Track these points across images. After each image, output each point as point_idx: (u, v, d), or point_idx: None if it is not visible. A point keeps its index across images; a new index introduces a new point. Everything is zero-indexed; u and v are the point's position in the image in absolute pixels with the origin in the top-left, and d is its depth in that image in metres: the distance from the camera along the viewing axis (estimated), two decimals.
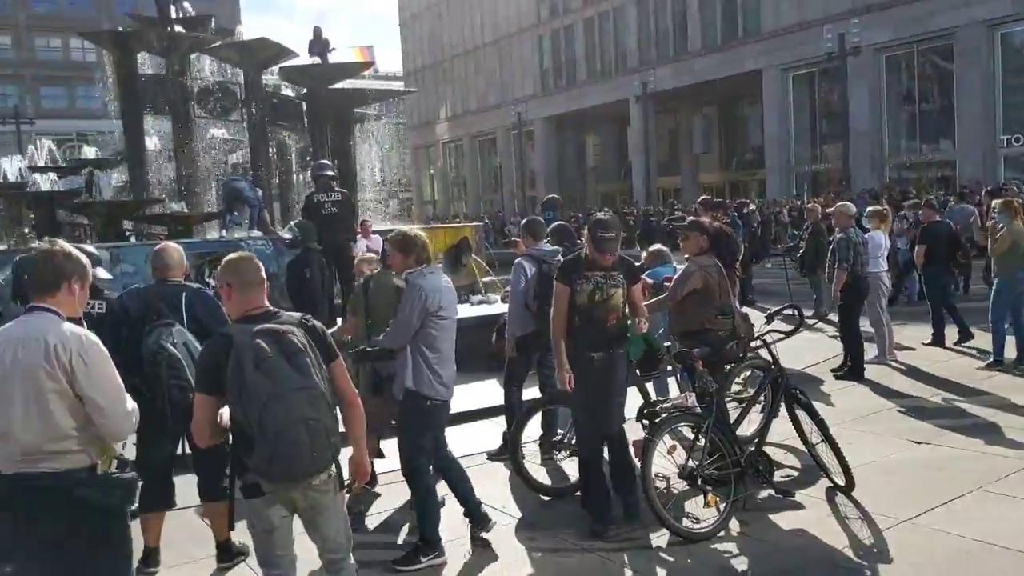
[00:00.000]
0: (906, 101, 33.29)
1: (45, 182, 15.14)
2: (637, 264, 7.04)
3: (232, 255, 3.33)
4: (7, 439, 2.71)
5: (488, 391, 7.78)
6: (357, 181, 17.23)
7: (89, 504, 2.72)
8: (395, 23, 66.94)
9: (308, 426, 2.89)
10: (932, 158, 32.87)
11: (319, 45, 16.25)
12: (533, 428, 5.91)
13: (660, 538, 4.61)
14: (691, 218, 7.08)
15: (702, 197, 10.00)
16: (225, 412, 3.09)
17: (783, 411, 5.34)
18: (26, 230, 14.51)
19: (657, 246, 7.75)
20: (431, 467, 4.66)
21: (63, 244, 2.99)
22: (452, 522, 5.04)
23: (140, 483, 2.97)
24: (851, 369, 8.44)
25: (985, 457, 5.75)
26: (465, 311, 9.78)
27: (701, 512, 4.72)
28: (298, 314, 3.24)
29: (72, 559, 2.74)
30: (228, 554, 4.64)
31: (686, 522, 4.65)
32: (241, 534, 4.67)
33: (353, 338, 5.60)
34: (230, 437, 3.14)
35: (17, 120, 40.28)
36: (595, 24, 46.69)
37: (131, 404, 2.89)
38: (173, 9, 15.04)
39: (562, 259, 6.18)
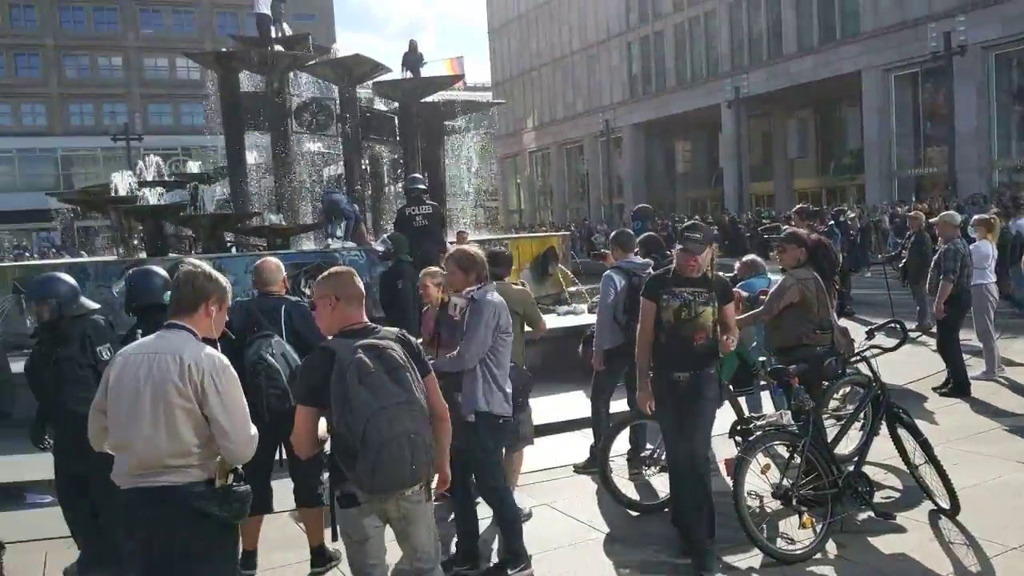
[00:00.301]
0: (1016, 101, 31.50)
1: (153, 196, 15.90)
2: (730, 275, 6.91)
3: (336, 268, 3.40)
4: (131, 451, 2.80)
5: (574, 402, 7.76)
6: (446, 192, 17.53)
7: (207, 516, 2.81)
8: (484, 33, 67.87)
9: (410, 440, 2.98)
10: None
11: (413, 57, 16.61)
12: (621, 442, 5.85)
13: (752, 559, 4.48)
14: (788, 229, 6.86)
15: (798, 206, 9.70)
16: (322, 424, 3.19)
17: (884, 430, 5.13)
18: (135, 242, 15.29)
19: (751, 256, 7.56)
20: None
21: (205, 266, 3.10)
22: (541, 535, 5.05)
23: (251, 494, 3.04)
24: (955, 385, 8.04)
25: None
26: (552, 321, 9.79)
27: (796, 533, 4.57)
28: (395, 329, 3.32)
29: (188, 569, 2.84)
30: (321, 559, 4.76)
31: (780, 543, 4.51)
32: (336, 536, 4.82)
33: None
34: (327, 446, 3.23)
35: (127, 137, 42.48)
36: (686, 29, 46.09)
37: (254, 429, 2.97)
38: (273, 29, 15.65)
39: (652, 272, 6.14)
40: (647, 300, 4.65)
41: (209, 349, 2.93)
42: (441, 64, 20.43)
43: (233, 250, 14.11)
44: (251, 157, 16.33)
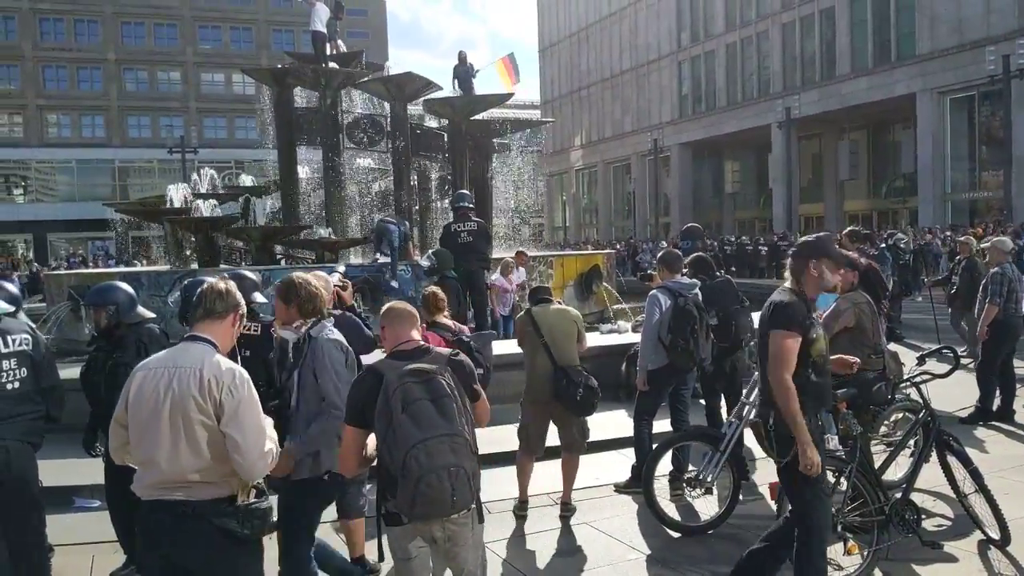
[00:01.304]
0: None
1: (207, 208, 16.28)
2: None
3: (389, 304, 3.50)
4: (153, 466, 2.79)
5: (616, 421, 7.72)
6: (492, 208, 17.65)
7: (228, 533, 2.81)
8: (534, 52, 68.25)
9: (450, 472, 2.95)
10: None
11: (463, 68, 16.82)
12: (664, 462, 5.81)
13: None
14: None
15: (849, 228, 9.55)
16: (371, 443, 3.20)
17: (933, 457, 5.03)
18: (188, 252, 15.67)
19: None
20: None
21: (229, 281, 3.15)
22: (581, 554, 5.04)
23: (273, 509, 3.03)
24: (977, 411, 7.90)
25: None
26: (595, 339, 9.78)
27: (842, 560, 4.49)
28: (447, 351, 3.34)
29: None
30: (362, 570, 4.80)
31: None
32: (374, 552, 4.87)
33: None
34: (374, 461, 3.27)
35: (183, 149, 43.60)
36: (737, 49, 45.86)
37: (269, 445, 2.93)
38: (328, 46, 15.99)
39: (699, 293, 6.12)
40: (791, 333, 3.69)
41: (229, 363, 2.92)
42: (492, 67, 20.46)
43: (283, 262, 14.38)
44: (302, 171, 16.67)
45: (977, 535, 4.95)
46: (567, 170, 63.74)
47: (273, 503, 3.18)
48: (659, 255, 6.60)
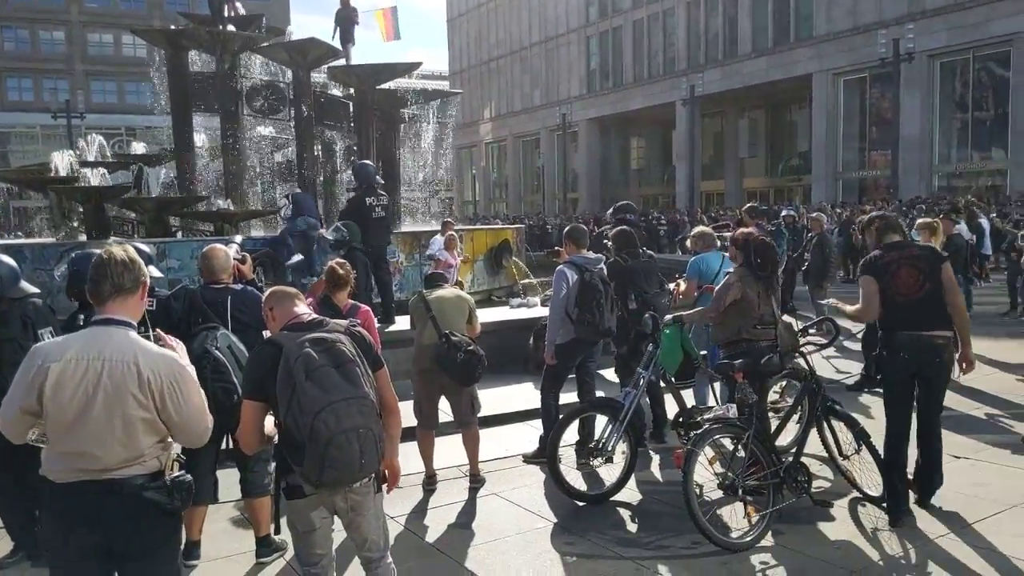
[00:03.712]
0: (959, 108, 32.56)
1: (95, 177, 15.42)
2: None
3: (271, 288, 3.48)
4: (83, 457, 2.67)
5: (524, 394, 7.81)
6: (400, 181, 17.39)
7: (157, 506, 2.75)
8: (442, 22, 67.44)
9: (359, 435, 2.94)
10: (983, 167, 32.11)
11: (345, 12, 16.41)
12: (569, 433, 5.91)
13: (695, 547, 4.58)
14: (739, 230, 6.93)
15: (748, 205, 9.86)
16: (269, 421, 3.15)
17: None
18: (75, 224, 14.83)
19: (701, 229, 7.65)
20: None
21: (131, 248, 2.93)
22: (489, 524, 5.09)
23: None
24: (864, 378, 8.29)
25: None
26: (505, 314, 9.84)
27: (739, 522, 4.69)
28: (344, 322, 3.30)
29: (142, 559, 2.77)
30: (267, 549, 4.72)
31: (724, 532, 4.61)
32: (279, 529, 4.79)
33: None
34: (275, 438, 3.20)
35: (68, 115, 41.03)
36: (644, 26, 46.51)
37: (209, 419, 2.89)
38: (225, 8, 15.31)
39: (604, 268, 6.21)
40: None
41: (159, 350, 2.81)
42: (372, 16, 19.90)
43: (179, 235, 13.81)
44: (199, 139, 15.97)
45: (852, 494, 5.27)
46: (476, 143, 63.49)
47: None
48: (566, 230, 6.64)
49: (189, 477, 2.85)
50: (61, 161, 15.10)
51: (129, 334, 2.76)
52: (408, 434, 6.01)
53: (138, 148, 18.87)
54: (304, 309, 3.33)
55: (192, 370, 2.87)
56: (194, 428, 2.82)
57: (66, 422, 2.65)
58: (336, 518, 3.27)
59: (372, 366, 3.20)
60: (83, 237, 13.45)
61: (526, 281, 14.16)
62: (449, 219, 13.95)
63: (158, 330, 3.06)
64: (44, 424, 2.72)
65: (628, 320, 6.35)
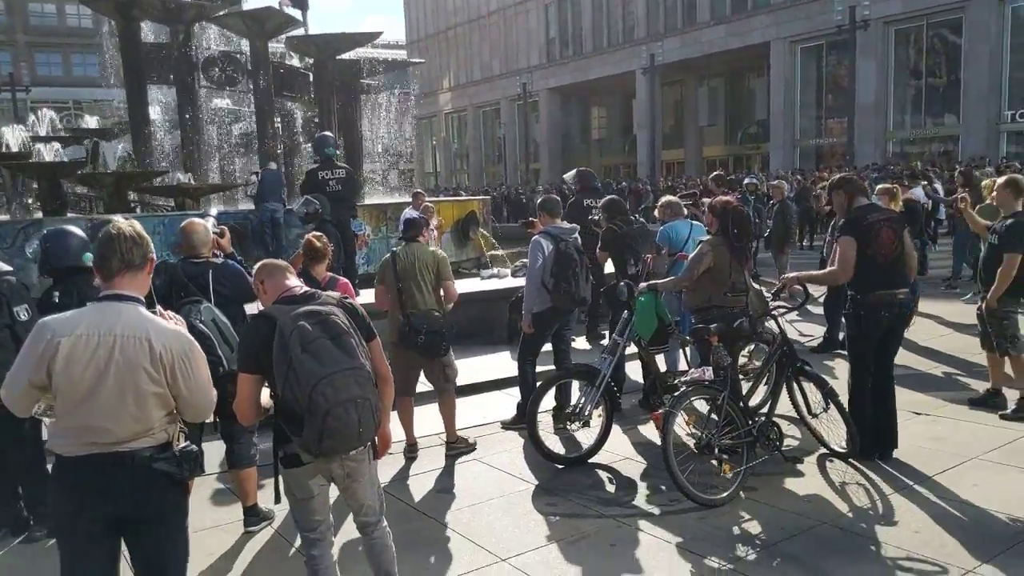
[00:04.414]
0: (912, 75, 33.13)
1: (49, 152, 15.05)
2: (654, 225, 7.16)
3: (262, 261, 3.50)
4: (94, 431, 2.69)
5: (500, 363, 7.91)
6: (362, 153, 17.25)
7: (167, 476, 2.79)
8: None
9: (356, 404, 2.99)
10: (936, 133, 32.80)
11: None
12: (546, 400, 6.02)
13: (673, 504, 4.75)
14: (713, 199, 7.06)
15: (715, 173, 10.00)
16: (265, 393, 3.19)
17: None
18: (29, 201, 14.50)
19: (668, 198, 7.79)
20: None
21: (134, 223, 2.92)
22: (472, 488, 5.20)
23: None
24: (826, 341, 8.56)
25: (983, 428, 5.89)
26: (477, 285, 9.90)
27: (716, 480, 4.86)
28: (336, 295, 3.34)
29: (154, 528, 2.82)
30: (255, 518, 4.78)
31: (701, 489, 4.78)
32: (265, 500, 4.85)
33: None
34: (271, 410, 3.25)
35: (13, 87, 39.65)
36: None
37: (214, 393, 2.94)
38: None
39: (579, 237, 6.30)
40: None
41: (170, 326, 2.83)
42: None
43: (138, 210, 13.58)
44: (153, 112, 15.65)
45: (820, 450, 5.50)
46: (436, 114, 62.91)
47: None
48: (539, 201, 6.71)
49: (196, 448, 2.90)
50: (12, 136, 14.68)
51: (139, 310, 2.78)
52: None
53: (91, 122, 18.39)
54: (296, 282, 3.37)
55: (198, 345, 2.90)
56: (201, 402, 2.87)
57: (77, 397, 2.67)
58: (333, 485, 3.34)
59: (366, 337, 3.25)
60: (39, 214, 13.17)
61: (493, 252, 14.22)
62: (419, 190, 13.88)
63: (159, 306, 3.08)
64: (51, 398, 2.74)
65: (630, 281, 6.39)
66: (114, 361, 2.67)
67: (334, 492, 3.43)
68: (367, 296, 6.63)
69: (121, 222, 2.89)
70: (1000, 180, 6.59)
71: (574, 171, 9.74)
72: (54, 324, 2.73)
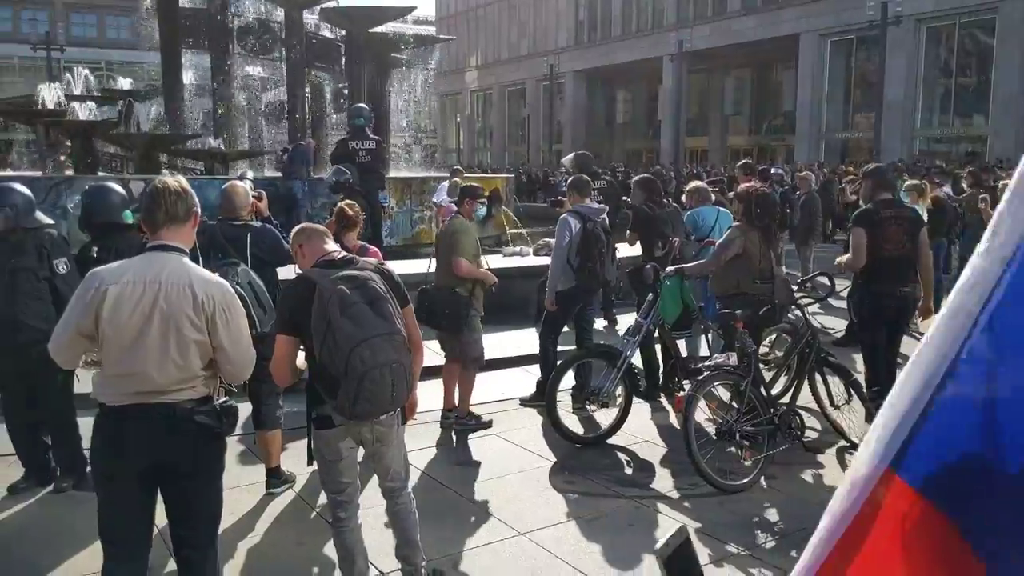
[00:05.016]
0: (943, 74, 32.70)
1: (83, 111, 15.17)
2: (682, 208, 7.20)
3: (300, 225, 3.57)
4: (138, 379, 2.75)
5: (522, 340, 7.95)
6: (389, 126, 17.27)
7: (208, 429, 2.86)
8: None
9: (392, 369, 3.06)
10: (964, 133, 32.41)
11: None
12: (566, 379, 6.07)
13: (692, 488, 4.80)
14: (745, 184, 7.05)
15: (743, 161, 9.95)
16: (300, 356, 3.26)
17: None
18: (62, 158, 14.63)
19: (695, 184, 7.77)
20: None
21: (179, 178, 3.03)
22: (493, 463, 5.26)
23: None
24: (848, 334, 8.48)
25: None
26: (499, 262, 9.91)
27: (735, 466, 4.90)
28: (374, 260, 3.39)
29: (192, 479, 2.90)
30: (277, 480, 4.86)
31: (721, 475, 4.83)
32: (287, 462, 4.94)
33: None
34: (305, 372, 3.31)
35: (48, 47, 39.92)
36: None
37: (253, 351, 3.00)
38: None
39: (607, 218, 6.31)
40: None
41: (213, 276, 2.90)
42: None
43: (165, 173, 13.68)
44: (186, 77, 15.73)
45: (840, 443, 5.52)
46: (461, 91, 62.71)
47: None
48: (570, 181, 6.73)
49: (236, 403, 2.97)
50: (48, 94, 14.80)
51: (183, 260, 2.85)
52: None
53: (124, 84, 18.49)
54: (334, 247, 3.42)
55: (239, 302, 2.96)
56: (241, 357, 2.92)
57: (124, 343, 2.74)
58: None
59: (400, 303, 3.31)
60: (70, 172, 13.31)
61: (514, 231, 14.21)
62: (458, 167, 13.91)
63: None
64: (98, 348, 2.81)
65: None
66: (158, 307, 2.73)
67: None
68: (395, 266, 6.65)
69: (167, 178, 2.96)
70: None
71: (572, 155, 9.80)
72: (103, 273, 2.81)
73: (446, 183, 12.43)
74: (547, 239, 10.03)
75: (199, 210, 3.00)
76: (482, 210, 6.25)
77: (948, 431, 0.92)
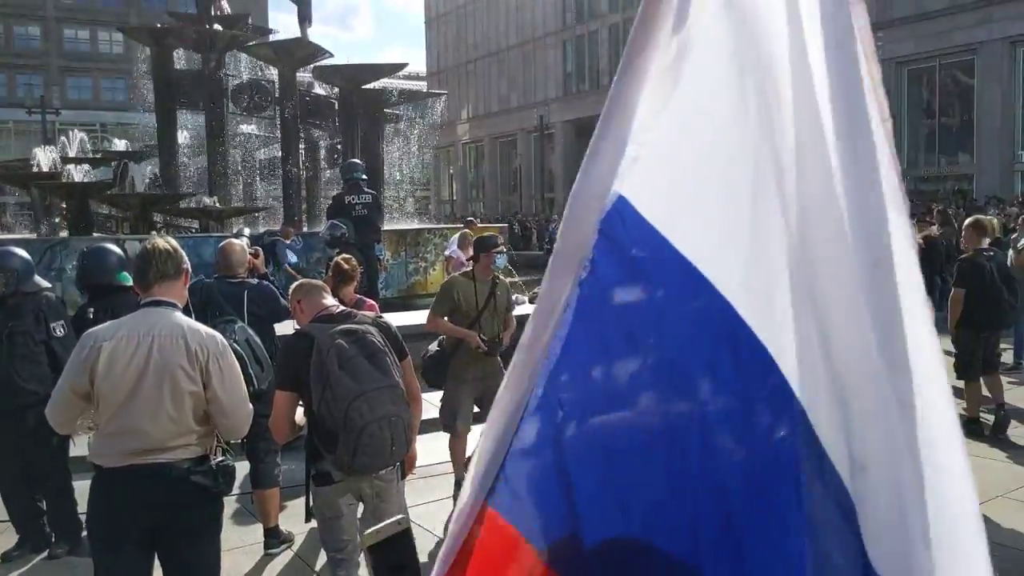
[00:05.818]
0: (926, 115, 33.19)
1: (78, 173, 15.32)
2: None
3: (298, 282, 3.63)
4: (134, 435, 2.75)
5: None
6: (383, 180, 17.44)
7: (204, 491, 2.85)
8: (420, 22, 67.39)
9: (391, 422, 3.07)
10: (950, 171, 32.79)
11: None
12: None
13: None
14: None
15: None
16: (299, 411, 3.26)
17: None
18: (57, 220, 14.71)
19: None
20: None
21: (168, 239, 3.09)
22: None
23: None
24: None
25: (1007, 467, 5.86)
26: None
27: None
28: (371, 314, 3.42)
29: (194, 543, 2.89)
30: (275, 541, 4.80)
31: None
32: (285, 522, 4.88)
33: None
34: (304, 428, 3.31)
35: (43, 110, 40.45)
36: (620, 30, 46.81)
37: (250, 406, 3.00)
38: (211, 7, 15.30)
39: None
40: None
41: (207, 329, 2.93)
42: None
43: (163, 232, 13.74)
44: (181, 137, 15.93)
45: None
46: (454, 143, 63.48)
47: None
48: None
49: (232, 462, 2.95)
50: (44, 157, 14.97)
51: (176, 314, 2.89)
52: (427, 425, 6.13)
53: (120, 145, 18.72)
54: (332, 301, 3.45)
55: (231, 350, 2.98)
56: (237, 410, 2.92)
57: (119, 398, 2.75)
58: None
59: (399, 355, 3.32)
60: (64, 233, 13.36)
61: (510, 280, 14.23)
62: (471, 218, 14.03)
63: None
64: (94, 409, 2.81)
65: None
66: (152, 360, 2.76)
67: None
68: (392, 317, 6.64)
69: (157, 239, 3.02)
70: (967, 221, 7.11)
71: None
72: (97, 332, 2.86)
73: (454, 246, 12.40)
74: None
75: (189, 267, 3.05)
76: (501, 260, 6.02)
77: (527, 459, 0.93)
